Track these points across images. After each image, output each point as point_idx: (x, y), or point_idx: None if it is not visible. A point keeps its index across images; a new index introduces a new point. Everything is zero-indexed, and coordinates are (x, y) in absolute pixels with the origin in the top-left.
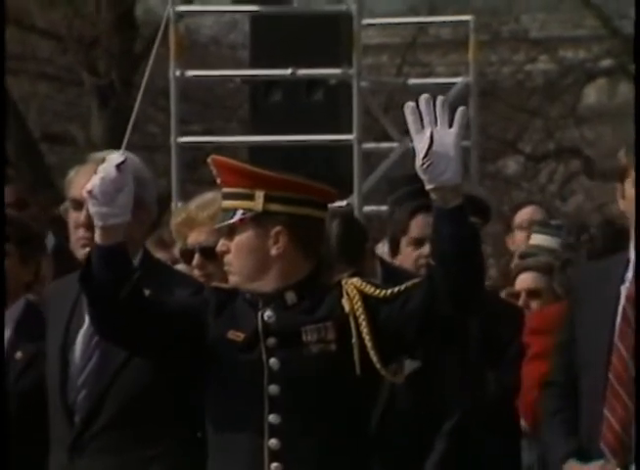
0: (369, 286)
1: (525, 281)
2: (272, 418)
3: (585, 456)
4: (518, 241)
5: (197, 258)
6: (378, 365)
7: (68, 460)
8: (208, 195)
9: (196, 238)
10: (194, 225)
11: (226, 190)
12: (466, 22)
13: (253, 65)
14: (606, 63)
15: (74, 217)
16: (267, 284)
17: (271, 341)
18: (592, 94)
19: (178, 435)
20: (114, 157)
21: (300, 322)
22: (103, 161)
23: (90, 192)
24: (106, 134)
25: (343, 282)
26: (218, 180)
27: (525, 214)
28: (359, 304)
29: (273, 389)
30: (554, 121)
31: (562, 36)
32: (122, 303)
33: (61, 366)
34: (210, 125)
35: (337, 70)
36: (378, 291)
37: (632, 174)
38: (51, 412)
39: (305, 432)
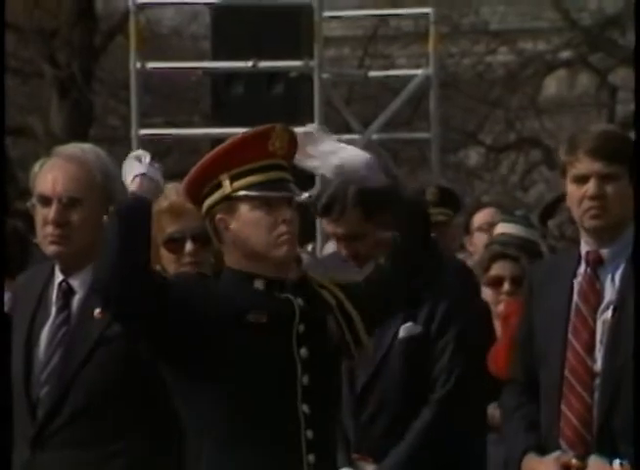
0: (338, 278)
1: (507, 268)
2: (305, 408)
3: (545, 451)
4: (477, 243)
5: (189, 245)
6: (369, 348)
7: (31, 455)
8: (174, 184)
9: (186, 224)
10: (181, 212)
11: (278, 161)
12: (426, 14)
13: (215, 57)
14: (565, 54)
15: (43, 214)
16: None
17: (301, 328)
18: (552, 85)
19: (142, 431)
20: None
21: (323, 312)
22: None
23: (139, 154)
24: (65, 126)
25: (310, 279)
26: (272, 147)
27: (484, 217)
28: (341, 294)
29: (305, 379)
30: (514, 112)
31: (521, 28)
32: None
33: (25, 361)
34: (172, 118)
35: (298, 63)
36: (350, 281)
37: (571, 172)
38: (15, 407)
39: (330, 421)
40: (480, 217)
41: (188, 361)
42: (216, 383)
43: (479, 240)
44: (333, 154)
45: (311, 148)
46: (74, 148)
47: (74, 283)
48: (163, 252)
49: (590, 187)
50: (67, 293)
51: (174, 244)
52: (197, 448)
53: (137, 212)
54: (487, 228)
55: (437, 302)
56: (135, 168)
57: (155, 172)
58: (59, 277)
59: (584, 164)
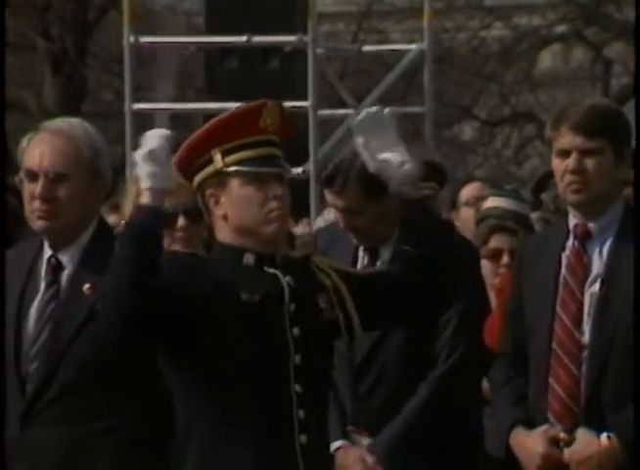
0: (341, 265)
1: (505, 241)
2: (297, 388)
3: (533, 425)
4: (465, 218)
5: (182, 220)
6: (359, 336)
7: (20, 430)
8: None
9: (178, 200)
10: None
11: (269, 137)
12: None
13: (208, 31)
14: (560, 28)
15: (30, 189)
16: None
17: (292, 307)
18: (547, 59)
19: (134, 409)
20: (161, 130)
21: (313, 290)
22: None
23: (153, 151)
24: (58, 101)
25: (312, 259)
26: (264, 123)
27: (471, 191)
28: (339, 280)
29: (297, 359)
30: (509, 87)
31: (516, 3)
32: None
33: (15, 336)
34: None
35: (292, 38)
36: (352, 270)
37: (555, 146)
38: (7, 383)
39: (323, 402)
40: (466, 192)
41: (185, 349)
42: (212, 364)
43: (466, 215)
44: (385, 150)
45: (372, 135)
46: (62, 122)
47: (63, 258)
48: None
49: (570, 162)
50: (56, 268)
51: (166, 219)
52: (188, 429)
53: (150, 227)
54: (474, 203)
55: None
56: (147, 174)
57: (167, 169)
58: (47, 252)
59: (566, 139)
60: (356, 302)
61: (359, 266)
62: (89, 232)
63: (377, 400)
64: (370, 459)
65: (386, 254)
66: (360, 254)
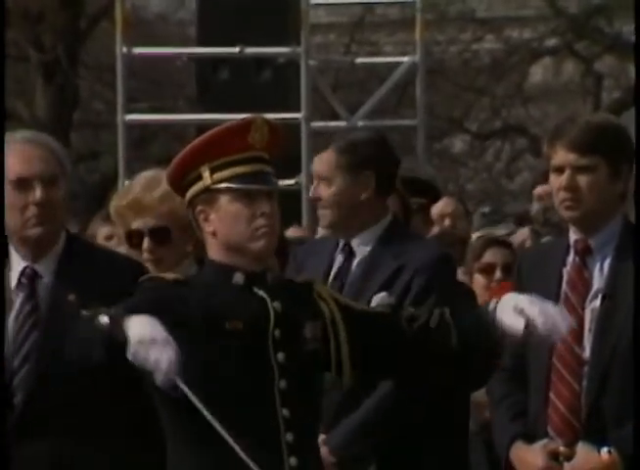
0: (342, 297)
1: (499, 255)
2: (284, 412)
3: (533, 439)
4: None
5: (147, 242)
6: (347, 373)
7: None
8: (149, 173)
9: (144, 221)
10: (141, 208)
11: (258, 153)
12: (413, 1)
13: (200, 42)
14: (551, 42)
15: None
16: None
17: (277, 333)
18: (538, 73)
19: (123, 420)
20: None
21: (302, 317)
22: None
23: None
24: (50, 111)
25: (314, 286)
26: (252, 140)
27: (437, 208)
28: (337, 311)
29: (283, 384)
30: (500, 100)
31: (507, 16)
32: None
33: None
34: (157, 103)
35: (285, 49)
36: (354, 303)
37: (551, 162)
38: None
39: (311, 424)
40: (435, 209)
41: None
42: (195, 391)
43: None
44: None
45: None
46: (24, 134)
47: (39, 268)
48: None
49: (563, 178)
50: (32, 278)
51: (133, 240)
52: (174, 453)
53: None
54: (439, 220)
55: (414, 276)
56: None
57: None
58: (20, 264)
59: (560, 156)
60: (350, 336)
61: (334, 269)
62: (58, 246)
63: (333, 403)
64: (323, 450)
65: (360, 252)
66: (337, 255)
